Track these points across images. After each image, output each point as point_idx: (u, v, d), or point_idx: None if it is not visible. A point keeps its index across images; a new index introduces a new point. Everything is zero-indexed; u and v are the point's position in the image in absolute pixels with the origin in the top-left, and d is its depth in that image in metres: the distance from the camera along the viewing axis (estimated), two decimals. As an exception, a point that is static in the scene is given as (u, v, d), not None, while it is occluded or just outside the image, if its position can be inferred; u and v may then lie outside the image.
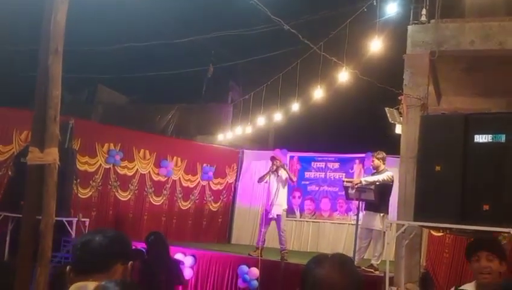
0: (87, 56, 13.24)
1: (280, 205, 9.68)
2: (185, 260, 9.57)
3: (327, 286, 1.75)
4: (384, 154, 8.95)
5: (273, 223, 10.05)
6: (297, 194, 13.53)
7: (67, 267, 2.08)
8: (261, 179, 10.01)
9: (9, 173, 9.89)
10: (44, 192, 3.09)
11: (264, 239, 9.83)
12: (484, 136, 6.25)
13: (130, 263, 2.09)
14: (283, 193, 9.78)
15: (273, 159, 9.91)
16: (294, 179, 10.04)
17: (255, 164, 14.16)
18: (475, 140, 6.28)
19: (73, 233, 10.34)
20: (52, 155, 3.11)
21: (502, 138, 6.18)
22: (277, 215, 9.68)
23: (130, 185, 12.15)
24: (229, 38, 12.68)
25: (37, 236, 3.13)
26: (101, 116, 16.43)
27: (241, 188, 14.37)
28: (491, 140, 6.22)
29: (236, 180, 14.44)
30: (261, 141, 15.47)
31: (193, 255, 9.71)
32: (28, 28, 8.35)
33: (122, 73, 15.10)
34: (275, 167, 9.76)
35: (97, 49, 12.90)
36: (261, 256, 9.48)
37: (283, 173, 9.79)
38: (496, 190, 6.14)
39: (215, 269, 9.56)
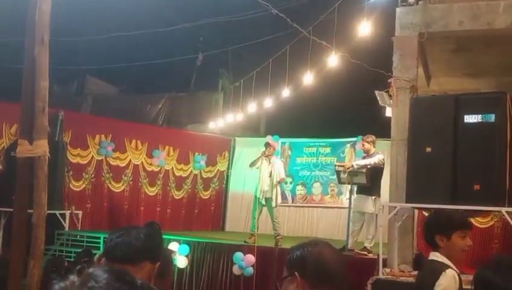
0: (75, 47, 13.12)
1: (269, 190, 9.75)
2: (180, 249, 9.58)
3: (333, 260, 1.84)
4: (374, 137, 8.97)
5: (265, 210, 10.11)
6: (289, 179, 13.58)
7: (97, 255, 2.16)
8: (252, 164, 10.03)
9: (0, 167, 9.83)
10: (35, 184, 3.08)
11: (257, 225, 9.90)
12: (474, 116, 6.30)
13: (158, 264, 2.14)
14: (273, 180, 9.86)
15: (267, 145, 9.97)
16: (283, 178, 10.22)
17: (247, 151, 14.14)
18: (465, 120, 6.33)
19: (66, 226, 10.33)
20: (41, 147, 3.09)
21: (492, 117, 6.23)
22: (265, 198, 9.75)
23: (123, 176, 12.12)
24: (218, 25, 12.60)
25: (29, 229, 3.11)
26: (91, 107, 16.33)
27: (233, 176, 14.38)
28: (480, 120, 6.27)
29: (228, 168, 14.44)
30: (252, 128, 15.46)
31: (187, 244, 9.72)
32: (13, 18, 8.25)
33: (111, 63, 14.98)
34: (267, 153, 9.80)
35: (85, 40, 12.78)
36: (255, 243, 9.54)
37: (276, 163, 9.87)
38: (486, 169, 6.20)
39: (210, 257, 9.59)
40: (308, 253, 1.90)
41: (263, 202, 9.81)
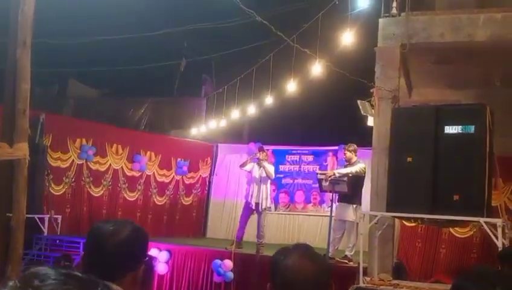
0: (58, 50, 13.01)
1: (265, 198, 9.72)
2: (160, 255, 9.52)
3: (299, 275, 1.77)
4: (355, 146, 9.03)
5: (252, 216, 10.07)
6: (271, 187, 13.57)
7: (82, 258, 2.03)
8: (242, 165, 10.00)
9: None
10: (15, 188, 3.04)
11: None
12: (454, 127, 6.38)
13: (142, 267, 2.00)
14: (267, 187, 9.85)
15: (261, 149, 9.92)
16: (272, 176, 10.08)
17: (230, 157, 14.15)
18: (445, 131, 6.40)
19: (45, 230, 10.21)
20: (22, 150, 3.05)
21: (471, 129, 6.31)
22: (262, 209, 9.71)
23: (102, 180, 12.01)
24: (202, 31, 12.60)
25: (8, 233, 3.07)
26: (72, 110, 16.17)
27: (215, 182, 14.35)
28: (460, 131, 6.35)
29: (210, 174, 14.41)
30: (235, 135, 15.45)
31: (168, 251, 9.66)
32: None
33: (94, 67, 14.88)
34: (260, 156, 9.73)
35: (68, 43, 12.68)
36: (240, 247, 9.54)
37: (266, 166, 9.83)
38: (465, 180, 6.27)
39: (191, 264, 9.54)
40: (277, 263, 1.85)
41: (253, 207, 9.78)
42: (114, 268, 1.90)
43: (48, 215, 10.36)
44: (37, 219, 9.95)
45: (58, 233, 10.51)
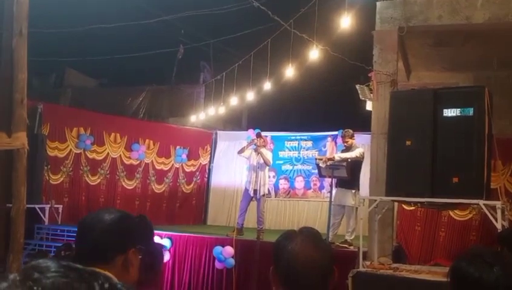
0: (55, 39, 12.95)
1: (263, 185, 9.76)
2: (162, 243, 9.56)
3: (303, 260, 1.79)
4: (351, 131, 9.04)
5: (252, 203, 10.11)
6: (271, 173, 13.59)
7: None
8: (241, 151, 10.03)
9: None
10: (14, 178, 3.04)
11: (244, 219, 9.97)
12: (453, 110, 6.37)
13: (132, 250, 1.98)
14: (265, 173, 9.87)
15: (259, 135, 9.93)
16: (269, 162, 10.08)
17: (229, 144, 14.15)
18: (444, 114, 6.39)
19: (46, 220, 10.23)
20: (20, 140, 3.05)
21: (470, 111, 6.30)
22: (260, 195, 9.75)
23: (100, 169, 12.01)
24: (199, 18, 12.53)
25: (8, 223, 3.08)
26: (70, 100, 16.16)
27: (215, 169, 14.36)
28: (459, 114, 6.34)
29: (210, 161, 14.42)
30: (234, 121, 15.45)
31: (169, 238, 9.70)
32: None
33: (91, 56, 14.82)
34: (257, 142, 9.75)
35: (65, 32, 12.62)
36: (241, 234, 9.59)
37: (264, 152, 9.83)
38: (464, 162, 6.27)
39: (192, 252, 9.58)
40: (281, 248, 1.85)
41: (251, 194, 9.82)
42: (100, 248, 1.91)
43: (49, 205, 10.38)
44: (38, 209, 9.97)
45: (59, 223, 10.53)
